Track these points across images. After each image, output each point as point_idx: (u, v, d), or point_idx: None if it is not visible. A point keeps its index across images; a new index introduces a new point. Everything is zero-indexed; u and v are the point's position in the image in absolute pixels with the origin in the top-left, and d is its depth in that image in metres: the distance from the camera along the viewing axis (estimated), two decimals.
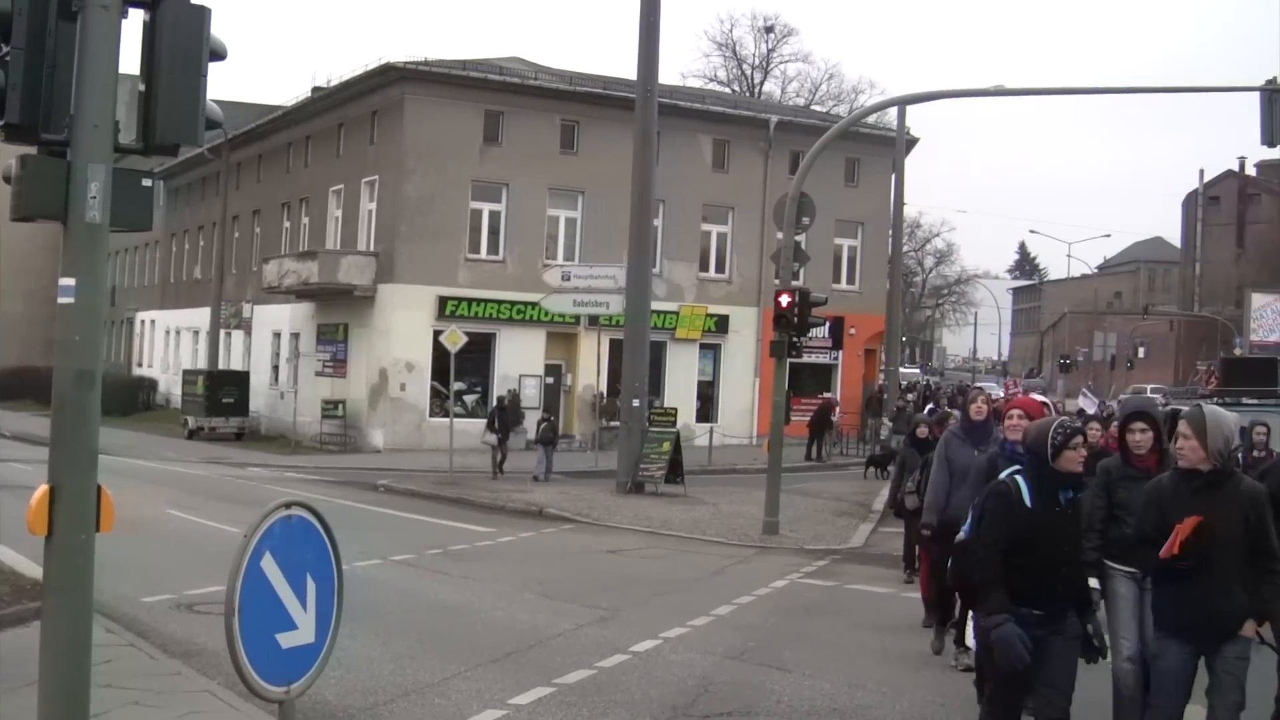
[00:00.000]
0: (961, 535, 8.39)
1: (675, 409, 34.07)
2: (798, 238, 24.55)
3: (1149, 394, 50.94)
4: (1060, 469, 7.60)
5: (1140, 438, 9.00)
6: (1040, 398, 11.89)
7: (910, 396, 56.36)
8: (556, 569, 18.03)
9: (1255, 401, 21.99)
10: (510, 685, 10.41)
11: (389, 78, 41.46)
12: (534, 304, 37.61)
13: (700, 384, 46.58)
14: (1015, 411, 10.24)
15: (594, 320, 35.37)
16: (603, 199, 40.23)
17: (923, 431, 16.04)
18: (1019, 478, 7.75)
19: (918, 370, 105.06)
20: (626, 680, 10.87)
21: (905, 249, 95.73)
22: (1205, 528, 7.31)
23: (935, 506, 12.04)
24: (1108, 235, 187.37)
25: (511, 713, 9.65)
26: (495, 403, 34.63)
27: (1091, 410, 30.08)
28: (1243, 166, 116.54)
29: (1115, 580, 8.83)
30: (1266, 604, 7.50)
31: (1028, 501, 7.60)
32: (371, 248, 42.44)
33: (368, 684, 10.27)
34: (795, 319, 22.13)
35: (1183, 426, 7.66)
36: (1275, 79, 24.85)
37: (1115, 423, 16.73)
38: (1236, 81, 29.10)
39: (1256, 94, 25.22)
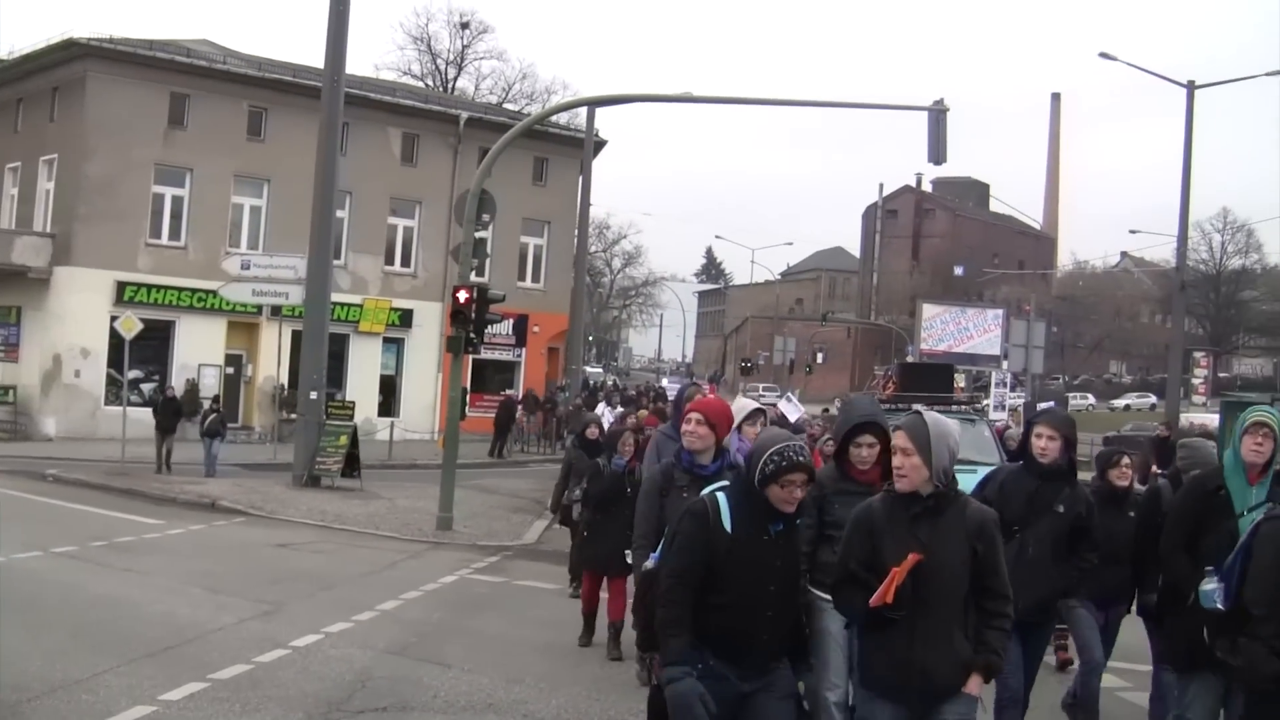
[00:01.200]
0: (650, 562, 7.10)
1: (353, 402, 33.76)
2: (481, 234, 24.72)
3: (757, 396, 51.81)
4: (770, 499, 6.17)
5: (868, 454, 7.95)
6: (756, 403, 10.88)
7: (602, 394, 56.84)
8: (224, 562, 17.76)
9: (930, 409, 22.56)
10: (163, 681, 10.21)
11: (72, 53, 40.25)
12: (215, 292, 37.00)
13: (383, 378, 46.53)
14: (695, 415, 8.64)
15: (276, 310, 35.02)
16: (289, 188, 39.59)
17: (592, 432, 15.32)
18: (721, 495, 6.31)
19: (601, 369, 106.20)
20: (283, 675, 10.80)
21: (593, 249, 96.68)
22: (925, 568, 5.91)
23: (648, 540, 8.37)
24: (790, 243, 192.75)
25: (161, 709, 9.47)
26: (164, 394, 33.72)
27: (794, 418, 30.14)
28: (919, 182, 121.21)
29: (823, 614, 7.60)
30: (993, 654, 6.11)
31: (728, 526, 6.17)
32: (48, 228, 41.11)
33: (14, 680, 9.92)
34: (473, 315, 22.19)
35: (900, 439, 6.23)
36: (942, 100, 26.03)
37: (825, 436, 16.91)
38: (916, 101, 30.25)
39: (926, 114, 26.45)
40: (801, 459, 6.14)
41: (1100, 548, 9.00)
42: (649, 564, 7.02)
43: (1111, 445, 10.67)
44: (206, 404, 32.94)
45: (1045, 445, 8.54)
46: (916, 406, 7.50)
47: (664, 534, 6.84)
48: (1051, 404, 28.99)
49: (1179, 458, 10.59)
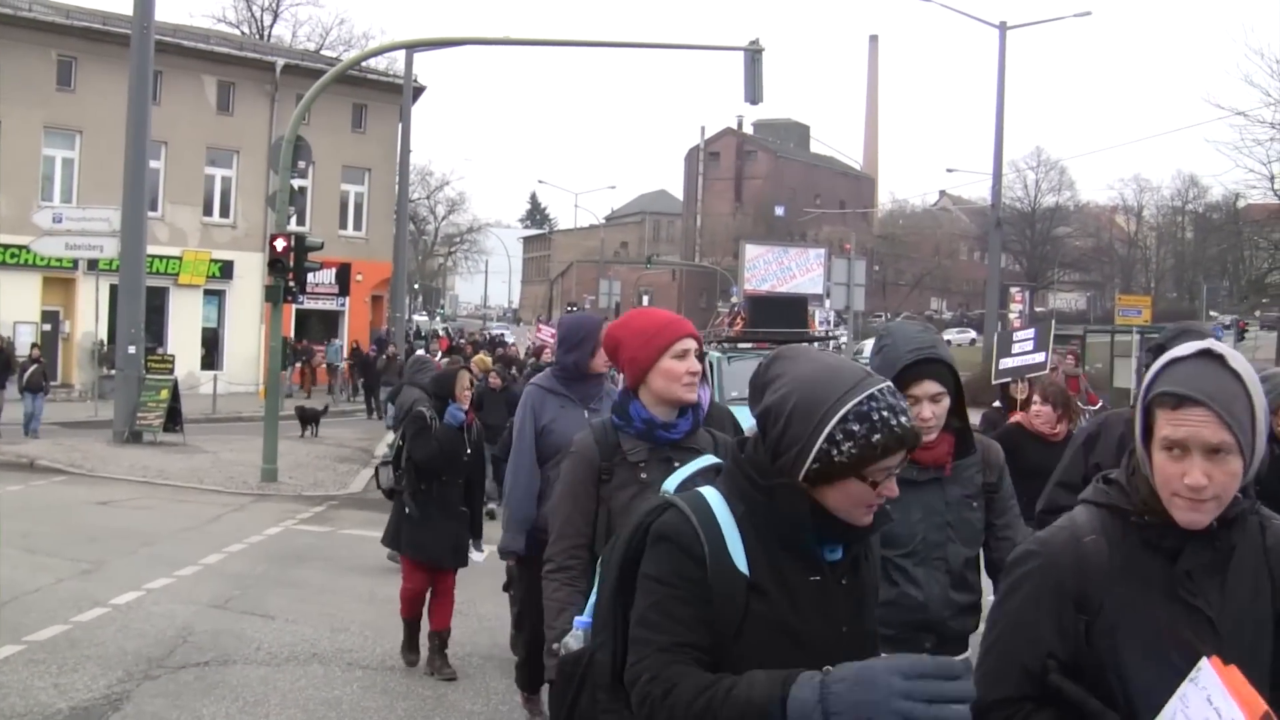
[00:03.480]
0: (577, 633, 3.35)
1: (173, 355, 33.19)
2: (300, 182, 24.41)
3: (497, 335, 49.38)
4: (828, 504, 2.84)
5: (931, 413, 4.43)
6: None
7: (423, 340, 56.28)
8: (42, 523, 17.33)
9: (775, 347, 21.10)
10: None
11: None
12: (27, 247, 36.10)
13: (205, 331, 45.86)
14: (691, 345, 4.85)
15: (93, 265, 34.24)
16: (102, 139, 38.61)
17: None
18: (715, 500, 2.92)
19: (427, 317, 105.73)
20: (102, 634, 10.66)
21: (415, 197, 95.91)
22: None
23: (522, 518, 6.61)
24: (613, 187, 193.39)
25: None
26: None
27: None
28: (740, 124, 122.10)
29: None
30: None
31: (741, 564, 2.82)
32: None
33: None
34: (291, 264, 21.99)
35: (1207, 423, 2.73)
36: (757, 40, 26.19)
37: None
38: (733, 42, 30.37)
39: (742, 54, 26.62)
40: (904, 420, 2.81)
41: None
42: (574, 636, 3.34)
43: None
44: (25, 357, 32.12)
45: None
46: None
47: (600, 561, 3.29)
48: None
49: None
